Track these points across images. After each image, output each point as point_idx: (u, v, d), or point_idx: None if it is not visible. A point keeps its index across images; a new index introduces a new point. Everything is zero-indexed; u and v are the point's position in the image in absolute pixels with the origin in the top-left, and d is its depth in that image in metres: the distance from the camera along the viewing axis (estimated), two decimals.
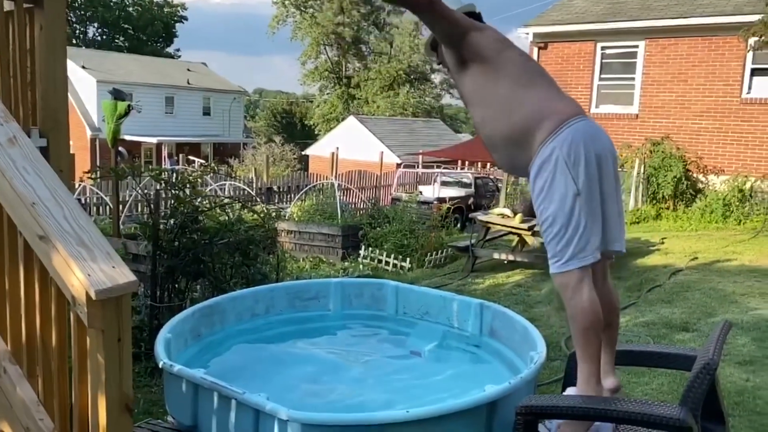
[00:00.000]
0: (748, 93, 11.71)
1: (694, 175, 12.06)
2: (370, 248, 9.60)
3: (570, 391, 2.62)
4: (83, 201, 13.26)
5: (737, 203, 11.11)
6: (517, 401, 2.21)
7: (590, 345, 2.18)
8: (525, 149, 2.19)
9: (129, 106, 7.61)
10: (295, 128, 45.95)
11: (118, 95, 7.62)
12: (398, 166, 21.34)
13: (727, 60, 11.80)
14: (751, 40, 10.08)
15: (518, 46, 2.43)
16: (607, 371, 2.31)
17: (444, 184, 16.54)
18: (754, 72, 11.64)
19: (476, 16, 2.40)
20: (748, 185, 11.32)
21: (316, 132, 41.56)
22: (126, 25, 42.75)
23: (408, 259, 9.14)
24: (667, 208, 11.81)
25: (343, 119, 31.90)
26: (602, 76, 13.24)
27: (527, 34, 13.72)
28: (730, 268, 7.38)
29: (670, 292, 6.31)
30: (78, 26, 41.87)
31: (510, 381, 2.58)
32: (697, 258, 7.97)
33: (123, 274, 1.78)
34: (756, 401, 3.68)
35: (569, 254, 2.13)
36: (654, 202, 11.93)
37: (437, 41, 2.44)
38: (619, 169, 10.94)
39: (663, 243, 9.16)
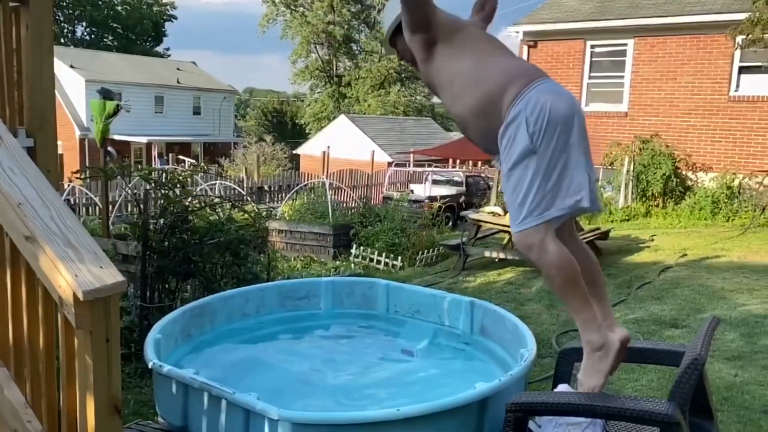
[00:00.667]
0: (735, 91, 11.80)
1: (683, 172, 12.14)
2: (362, 247, 9.60)
3: (561, 387, 2.63)
4: (72, 201, 13.17)
5: (726, 200, 11.21)
6: (508, 398, 2.21)
7: (575, 295, 2.16)
8: (494, 119, 2.20)
9: (118, 105, 7.55)
10: (286, 127, 45.83)
11: (106, 95, 7.55)
12: (389, 164, 21.34)
13: (715, 58, 11.88)
14: (739, 39, 10.15)
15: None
16: (611, 324, 2.26)
17: (435, 182, 16.57)
18: (742, 70, 11.73)
19: None
20: (736, 182, 11.41)
21: (307, 131, 41.46)
22: (115, 24, 42.46)
23: (399, 257, 9.15)
24: (657, 206, 11.89)
25: (334, 118, 31.85)
26: (592, 74, 13.30)
27: (517, 32, 13.76)
28: (719, 265, 7.44)
29: (659, 289, 6.36)
30: (66, 25, 41.55)
31: (500, 378, 2.59)
32: (686, 255, 8.03)
33: (111, 275, 1.77)
34: (744, 396, 3.71)
35: (525, 212, 2.13)
36: (643, 199, 12.00)
37: (396, 37, 2.45)
38: (609, 167, 10.90)
39: (653, 240, 9.22)
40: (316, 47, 43.67)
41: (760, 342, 4.68)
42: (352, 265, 9.17)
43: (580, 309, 2.17)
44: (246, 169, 20.13)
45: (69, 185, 13.76)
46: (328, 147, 20.30)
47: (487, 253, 8.00)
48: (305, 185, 14.60)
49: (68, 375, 1.88)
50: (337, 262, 9.51)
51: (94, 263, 1.79)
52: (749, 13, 9.69)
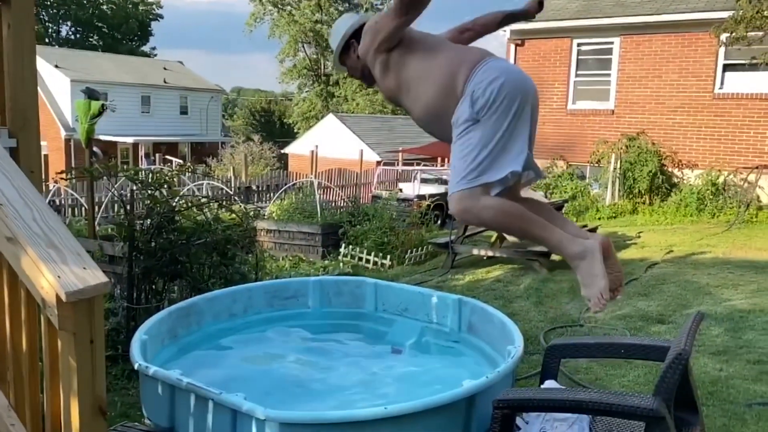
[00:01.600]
0: (720, 88, 11.92)
1: (669, 169, 12.25)
2: (351, 246, 9.58)
3: (548, 384, 2.65)
4: (58, 202, 13.05)
5: (711, 197, 11.32)
6: (495, 395, 2.22)
7: (535, 226, 2.16)
8: (452, 109, 2.21)
9: (103, 105, 7.47)
10: (274, 126, 45.72)
11: (91, 94, 7.47)
12: (378, 163, 21.34)
13: (700, 56, 11.99)
14: (723, 36, 10.25)
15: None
16: (587, 236, 2.22)
17: (424, 181, 16.57)
18: (726, 67, 11.85)
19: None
20: (721, 179, 11.53)
21: (295, 130, 41.38)
22: (100, 24, 42.12)
23: (388, 256, 9.14)
24: (643, 203, 11.98)
25: (322, 117, 31.80)
26: (578, 72, 13.38)
27: (504, 31, 13.79)
28: (705, 261, 7.51)
29: (646, 285, 6.41)
30: (51, 25, 41.16)
31: (487, 375, 2.59)
32: (672, 251, 8.10)
33: (94, 275, 1.76)
34: (729, 390, 3.75)
35: (460, 176, 2.14)
36: (630, 196, 12.08)
37: (344, 55, 2.48)
38: (596, 165, 10.91)
39: (639, 237, 9.29)
40: (303, 46, 43.57)
41: (745, 337, 4.74)
42: (341, 264, 9.15)
43: (548, 235, 2.16)
44: (233, 168, 20.04)
45: (54, 186, 13.64)
46: (317, 146, 20.24)
47: (475, 251, 8.02)
48: (293, 185, 14.55)
49: (52, 377, 1.86)
50: (326, 262, 9.48)
51: (77, 264, 1.77)
52: (733, 12, 9.79)
